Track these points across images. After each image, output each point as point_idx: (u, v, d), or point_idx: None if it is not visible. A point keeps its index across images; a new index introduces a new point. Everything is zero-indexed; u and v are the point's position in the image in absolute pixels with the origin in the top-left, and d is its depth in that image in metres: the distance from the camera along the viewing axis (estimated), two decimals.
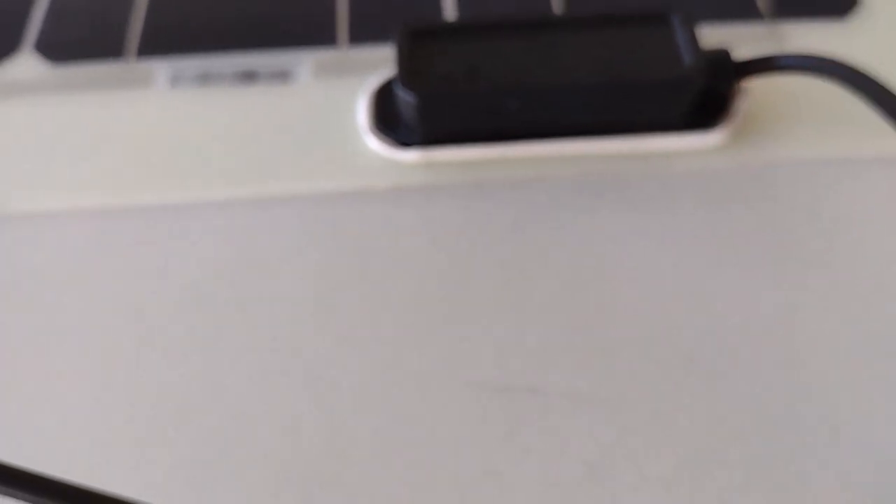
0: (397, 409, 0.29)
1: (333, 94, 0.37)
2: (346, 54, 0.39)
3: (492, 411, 0.29)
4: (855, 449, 0.28)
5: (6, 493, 0.22)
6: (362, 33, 0.40)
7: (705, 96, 0.35)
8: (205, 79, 0.38)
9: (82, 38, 0.40)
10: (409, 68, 0.34)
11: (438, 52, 0.35)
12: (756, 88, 0.36)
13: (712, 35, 0.38)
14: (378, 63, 0.38)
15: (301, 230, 0.34)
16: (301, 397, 0.30)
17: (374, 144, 0.35)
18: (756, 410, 0.29)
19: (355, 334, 0.31)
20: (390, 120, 0.36)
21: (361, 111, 0.36)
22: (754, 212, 0.34)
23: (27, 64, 0.40)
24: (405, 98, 0.33)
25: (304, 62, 0.39)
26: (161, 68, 0.39)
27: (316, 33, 0.40)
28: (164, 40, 0.40)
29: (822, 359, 0.30)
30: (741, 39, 0.39)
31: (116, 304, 0.32)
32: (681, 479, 0.28)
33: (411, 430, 0.29)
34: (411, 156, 0.35)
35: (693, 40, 0.34)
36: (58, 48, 0.40)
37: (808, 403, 0.29)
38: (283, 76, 0.38)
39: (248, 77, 0.38)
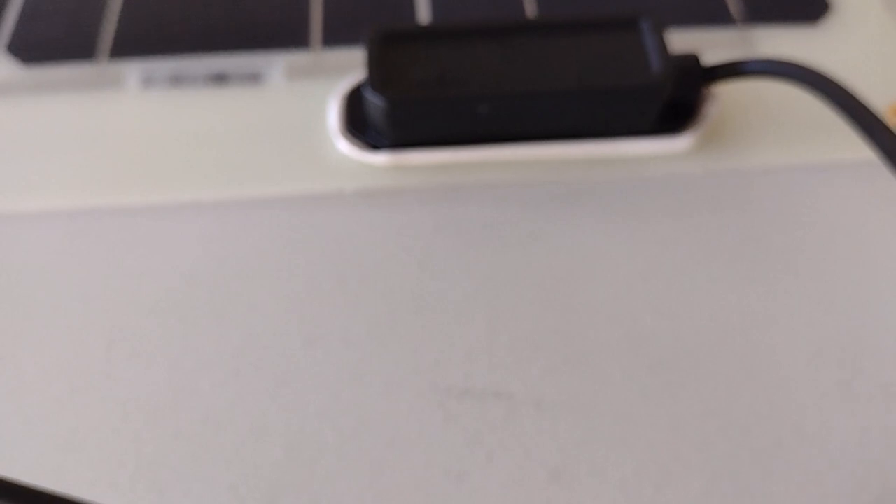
0: (363, 413, 0.29)
1: (305, 96, 0.37)
2: (318, 57, 0.39)
3: (457, 415, 0.29)
4: (820, 453, 0.28)
5: None
6: (335, 36, 0.40)
7: (674, 101, 0.35)
8: (176, 80, 0.38)
9: (54, 40, 0.40)
10: (380, 72, 0.34)
11: (410, 56, 0.35)
12: (725, 93, 0.36)
13: (683, 40, 0.39)
14: (351, 66, 0.38)
15: (269, 233, 0.34)
16: (268, 401, 0.30)
17: (344, 147, 0.35)
18: (722, 415, 0.29)
19: (323, 338, 0.31)
20: (361, 123, 0.36)
21: (332, 114, 0.36)
22: (722, 217, 0.34)
23: None
24: (375, 102, 0.33)
25: (276, 64, 0.39)
26: (133, 70, 0.39)
27: (288, 36, 0.40)
28: (136, 42, 0.40)
29: (788, 364, 0.30)
30: (712, 44, 0.39)
31: (87, 307, 0.32)
32: (644, 484, 0.28)
33: (377, 434, 0.29)
34: (381, 159, 0.35)
35: (662, 46, 0.34)
36: (30, 49, 0.40)
37: (774, 408, 0.29)
38: (254, 78, 0.38)
39: (220, 79, 0.38)
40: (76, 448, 0.29)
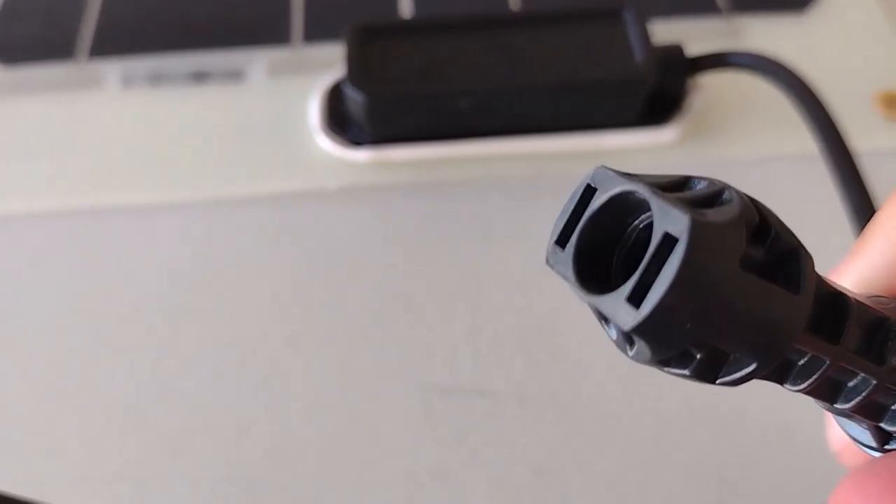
0: (346, 412, 0.29)
1: (286, 93, 0.37)
2: (299, 53, 0.39)
3: (440, 413, 0.29)
4: (806, 447, 0.28)
5: None
6: (317, 31, 0.39)
7: (659, 92, 0.35)
8: (156, 79, 0.38)
9: (34, 40, 0.40)
10: (359, 67, 0.34)
11: (390, 51, 0.35)
12: (710, 84, 0.36)
13: (670, 30, 0.38)
14: (333, 62, 0.37)
15: (250, 232, 0.34)
16: (250, 401, 0.29)
17: (326, 144, 0.35)
18: (706, 411, 0.29)
19: (306, 335, 0.31)
20: (342, 119, 0.35)
21: (313, 111, 0.36)
22: None
23: None
24: (354, 98, 0.33)
25: (257, 61, 0.38)
26: (112, 69, 0.38)
27: (269, 32, 0.39)
28: (115, 41, 0.39)
29: None
30: (699, 34, 0.39)
31: (67, 309, 0.32)
32: (629, 480, 0.28)
33: (360, 433, 0.29)
34: (362, 155, 0.35)
35: (645, 36, 0.34)
36: (9, 50, 0.39)
37: (758, 403, 0.29)
38: (235, 76, 0.38)
39: (200, 77, 0.38)
40: (57, 450, 0.29)
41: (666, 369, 0.15)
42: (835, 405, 0.16)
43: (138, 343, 0.31)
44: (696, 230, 0.13)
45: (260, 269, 0.33)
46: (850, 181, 0.30)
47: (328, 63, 0.37)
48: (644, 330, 0.14)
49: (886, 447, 0.17)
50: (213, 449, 0.29)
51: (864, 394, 0.16)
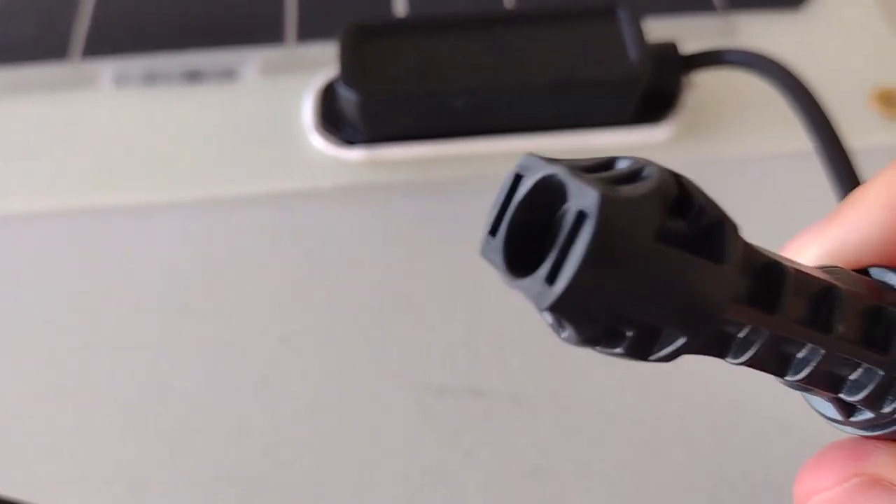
0: (342, 412, 0.29)
1: (280, 92, 0.37)
2: (293, 52, 0.39)
3: (436, 413, 0.29)
4: (804, 444, 0.28)
5: None
6: (311, 30, 0.39)
7: (654, 90, 0.35)
8: (150, 79, 0.38)
9: (28, 40, 0.39)
10: (353, 67, 0.34)
11: (384, 50, 0.35)
12: (704, 82, 0.36)
13: (665, 28, 0.38)
14: (327, 61, 0.37)
15: (245, 232, 0.33)
16: (247, 400, 0.29)
17: (319, 143, 0.35)
18: (703, 410, 0.29)
19: (302, 335, 0.31)
20: (336, 119, 0.35)
21: (307, 110, 0.36)
22: None
23: None
24: (347, 97, 0.33)
25: (251, 61, 0.38)
26: (106, 69, 0.38)
27: (263, 31, 0.39)
28: (109, 40, 0.39)
29: None
30: (694, 32, 0.38)
31: (65, 310, 0.32)
32: (625, 479, 0.27)
33: (358, 432, 0.29)
34: (356, 154, 0.35)
35: (639, 35, 0.34)
36: (3, 49, 0.39)
37: (756, 401, 0.29)
38: (229, 75, 0.38)
39: (194, 76, 0.38)
40: (56, 450, 0.29)
41: (598, 349, 0.15)
42: (786, 378, 0.16)
43: (136, 343, 0.31)
44: (605, 205, 0.13)
45: (255, 268, 0.33)
46: (845, 179, 0.30)
47: (322, 62, 0.37)
48: (561, 308, 0.14)
49: (852, 419, 0.17)
50: (211, 449, 0.29)
51: (813, 364, 0.16)
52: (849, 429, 0.17)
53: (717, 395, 0.29)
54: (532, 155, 0.15)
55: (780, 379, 0.17)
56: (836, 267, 0.17)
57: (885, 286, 0.17)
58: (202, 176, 0.35)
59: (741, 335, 0.16)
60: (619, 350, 0.15)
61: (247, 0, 0.41)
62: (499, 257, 0.15)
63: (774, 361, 0.16)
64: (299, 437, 0.29)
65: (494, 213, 0.15)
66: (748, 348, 0.16)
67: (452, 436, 0.28)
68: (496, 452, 0.28)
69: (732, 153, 0.35)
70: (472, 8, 0.40)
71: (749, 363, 0.16)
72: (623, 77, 0.33)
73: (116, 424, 0.29)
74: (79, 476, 0.28)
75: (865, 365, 0.16)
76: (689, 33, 0.37)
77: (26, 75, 0.38)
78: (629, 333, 0.15)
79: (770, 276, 0.15)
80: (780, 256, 0.16)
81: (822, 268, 0.17)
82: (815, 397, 0.18)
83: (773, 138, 0.35)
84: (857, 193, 0.17)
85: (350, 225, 0.34)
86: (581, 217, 0.14)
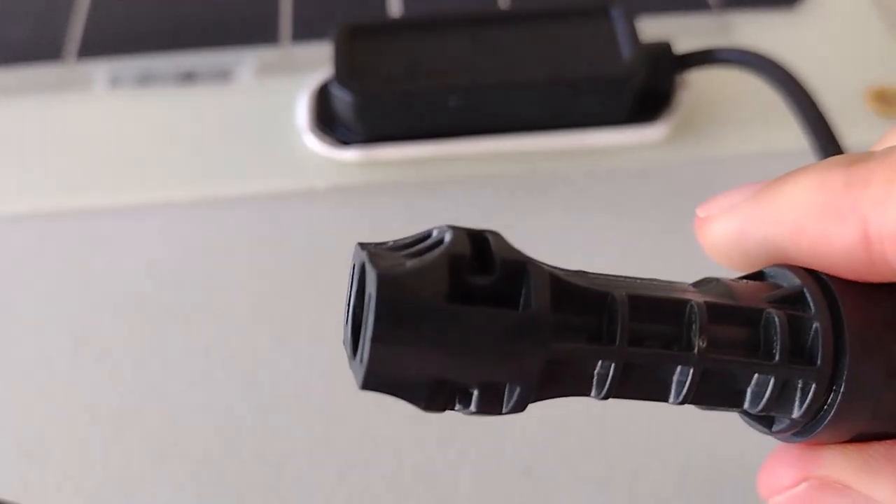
0: (332, 413, 0.29)
1: (274, 93, 0.37)
2: (288, 52, 0.39)
3: (427, 414, 0.29)
4: None
5: None
6: (305, 31, 0.39)
7: (647, 89, 0.34)
8: (145, 80, 0.38)
9: (22, 41, 0.40)
10: (347, 67, 0.34)
11: (378, 50, 0.35)
12: (699, 81, 0.36)
13: (659, 27, 0.38)
14: (321, 61, 0.37)
15: (238, 232, 0.33)
16: (236, 402, 0.29)
17: (314, 144, 0.35)
18: (695, 409, 0.29)
19: (293, 336, 0.31)
20: (330, 119, 0.35)
21: (301, 110, 0.36)
22: (695, 205, 0.33)
23: None
24: (342, 97, 0.33)
25: (246, 61, 0.38)
26: (100, 70, 0.38)
27: (258, 32, 0.39)
28: (104, 42, 0.39)
29: None
30: (688, 31, 0.38)
31: (53, 310, 0.32)
32: (618, 480, 0.27)
33: (346, 434, 0.29)
34: (351, 155, 0.35)
35: (633, 34, 0.34)
36: None
37: None
38: (223, 76, 0.38)
39: (189, 77, 0.38)
40: (41, 452, 0.29)
41: (457, 409, 0.15)
42: (670, 402, 0.16)
43: (125, 344, 0.31)
44: (382, 283, 0.14)
45: (248, 269, 0.33)
46: None
47: (316, 63, 0.37)
48: (372, 384, 0.15)
49: (775, 430, 0.17)
50: (200, 450, 0.28)
51: (689, 384, 0.16)
52: (782, 438, 0.17)
53: None
54: (359, 244, 0.15)
55: (696, 406, 0.17)
56: (712, 278, 0.17)
57: (775, 286, 0.17)
58: (197, 176, 0.35)
59: (595, 371, 0.16)
60: (472, 409, 0.15)
61: (241, 1, 0.41)
62: (348, 345, 0.16)
63: (647, 389, 0.16)
64: (289, 438, 0.29)
65: (347, 305, 0.16)
66: (604, 383, 0.16)
67: (443, 436, 0.28)
68: (487, 452, 0.28)
69: (727, 152, 0.35)
70: (465, 8, 0.40)
71: (617, 395, 0.16)
72: (616, 76, 0.33)
73: (104, 425, 0.29)
74: (66, 477, 0.28)
75: (756, 374, 0.16)
76: (684, 32, 0.37)
77: (21, 76, 0.38)
78: (475, 392, 0.15)
79: (600, 308, 0.16)
80: (626, 282, 0.16)
81: (698, 282, 0.17)
82: (742, 416, 0.18)
83: (768, 137, 0.35)
84: (786, 188, 0.17)
85: (344, 225, 0.34)
86: (370, 298, 0.14)
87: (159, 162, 0.36)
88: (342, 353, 0.31)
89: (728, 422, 0.28)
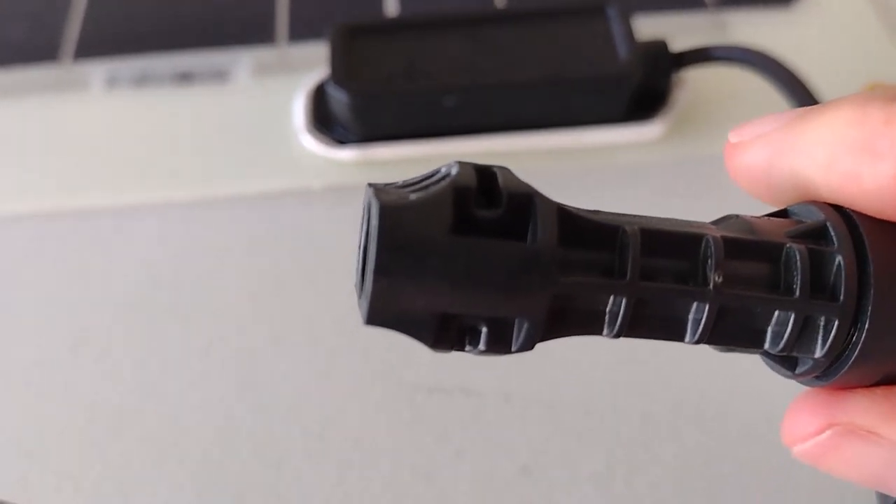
0: (330, 412, 0.29)
1: (271, 93, 0.37)
2: (285, 52, 0.39)
3: (425, 413, 0.29)
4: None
5: None
6: (302, 31, 0.39)
7: (644, 88, 0.35)
8: (141, 80, 0.38)
9: (19, 42, 0.40)
10: (343, 67, 0.34)
11: (375, 50, 0.35)
12: (695, 79, 0.36)
13: (655, 25, 0.38)
14: (318, 61, 0.37)
15: (235, 232, 0.33)
16: (234, 401, 0.29)
17: (311, 144, 0.35)
18: (692, 407, 0.29)
19: (291, 336, 0.31)
20: (327, 119, 0.35)
21: (298, 110, 0.36)
22: (694, 204, 0.34)
23: None
24: (338, 97, 0.33)
25: (242, 62, 0.38)
26: (97, 71, 0.38)
27: (254, 32, 0.39)
28: (101, 42, 0.39)
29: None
30: (684, 29, 0.38)
31: (52, 310, 0.32)
32: (615, 478, 0.27)
33: (344, 433, 0.29)
34: (348, 154, 0.35)
35: (629, 32, 0.34)
36: None
37: (744, 396, 0.29)
38: (220, 76, 0.38)
39: (185, 78, 0.38)
40: (40, 452, 0.29)
41: (467, 350, 0.15)
42: (686, 341, 0.16)
43: (123, 344, 0.31)
44: (385, 214, 0.14)
45: (247, 268, 0.33)
46: None
47: (313, 63, 0.37)
48: (377, 319, 0.15)
49: (797, 372, 0.16)
50: (197, 449, 0.29)
51: (704, 320, 0.15)
52: (805, 382, 0.17)
53: (705, 393, 0.29)
54: (370, 184, 0.15)
55: (712, 346, 0.16)
56: (733, 215, 0.17)
57: (799, 222, 0.16)
58: (194, 176, 0.35)
59: (607, 308, 0.15)
60: (481, 347, 0.15)
61: (238, 1, 0.41)
62: (357, 287, 0.15)
63: (661, 327, 0.16)
64: (288, 438, 0.29)
65: (358, 246, 0.16)
66: (615, 319, 0.15)
67: (441, 435, 0.28)
68: (486, 451, 0.28)
69: (723, 150, 0.35)
70: (462, 7, 0.40)
71: (630, 333, 0.15)
72: (612, 75, 0.33)
73: (103, 425, 0.29)
74: (65, 476, 0.28)
75: (776, 311, 0.15)
76: (680, 30, 0.37)
77: (18, 77, 0.38)
78: (483, 329, 0.15)
79: (611, 243, 0.15)
80: (641, 219, 0.15)
81: (719, 220, 0.16)
82: (765, 359, 0.17)
83: None
84: (821, 120, 0.16)
85: (341, 224, 0.34)
86: (373, 230, 0.14)
87: (156, 162, 0.36)
88: (341, 352, 0.31)
89: (723, 419, 0.29)
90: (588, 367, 0.30)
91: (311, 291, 0.32)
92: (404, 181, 0.15)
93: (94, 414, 0.29)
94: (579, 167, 0.35)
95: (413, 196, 0.14)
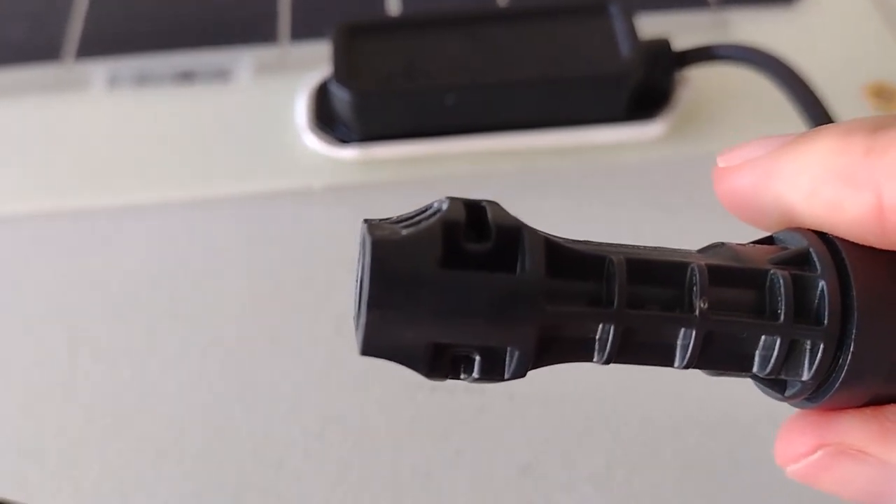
0: (330, 412, 0.29)
1: (273, 92, 0.37)
2: (287, 51, 0.39)
3: (427, 411, 0.29)
4: None
5: None
6: (304, 30, 0.39)
7: (646, 86, 0.34)
8: (142, 80, 0.38)
9: (20, 41, 0.40)
10: (345, 66, 0.34)
11: (377, 49, 0.35)
12: (698, 77, 0.36)
13: (657, 24, 0.38)
14: (320, 60, 0.37)
15: (236, 232, 0.33)
16: (233, 401, 0.29)
17: (313, 142, 0.35)
18: (692, 407, 0.29)
19: (291, 335, 0.31)
20: (329, 117, 0.35)
21: (300, 109, 0.36)
22: (696, 203, 0.34)
23: None
24: (340, 96, 0.33)
25: (244, 61, 0.38)
26: (98, 70, 0.38)
27: (256, 31, 0.39)
28: (102, 41, 0.39)
29: None
30: (687, 28, 0.38)
31: (50, 311, 0.32)
32: (616, 477, 0.27)
33: (344, 433, 0.29)
34: (349, 153, 0.35)
35: (631, 31, 0.34)
36: None
37: (746, 398, 0.29)
38: (222, 75, 0.38)
39: (187, 77, 0.38)
40: (39, 453, 0.29)
41: (462, 378, 0.16)
42: (675, 366, 0.16)
43: (121, 345, 0.31)
44: (377, 248, 0.14)
45: (248, 268, 0.33)
46: None
47: (315, 62, 0.37)
48: (372, 351, 0.15)
49: (787, 395, 0.17)
50: (197, 449, 0.28)
51: (692, 345, 0.16)
52: (795, 404, 0.17)
53: (705, 394, 0.29)
54: (366, 220, 0.16)
55: (702, 371, 0.17)
56: (718, 243, 0.17)
57: (783, 249, 0.16)
58: (196, 176, 0.35)
59: (597, 336, 0.16)
60: (475, 375, 0.15)
61: (239, 0, 0.41)
62: (354, 319, 0.16)
63: (650, 354, 0.16)
64: (287, 437, 0.29)
65: (355, 279, 0.16)
66: (605, 347, 0.16)
67: (442, 434, 0.28)
68: (486, 451, 0.28)
69: (727, 147, 0.35)
70: (464, 6, 0.40)
71: (619, 360, 0.16)
72: (614, 73, 0.33)
73: (100, 425, 0.29)
74: (63, 476, 0.28)
75: (762, 335, 0.16)
76: (682, 29, 0.37)
77: (19, 77, 0.38)
78: (476, 358, 0.15)
79: (598, 273, 0.16)
80: (627, 249, 0.16)
81: (704, 248, 0.17)
82: (755, 382, 0.17)
83: (767, 134, 0.35)
84: (806, 148, 0.16)
85: (343, 223, 0.34)
86: (366, 265, 0.15)
87: (158, 162, 0.36)
88: (339, 352, 0.31)
89: (723, 419, 0.28)
90: (589, 368, 0.29)
91: (311, 290, 0.32)
92: (398, 217, 0.16)
93: (92, 413, 0.29)
94: (581, 166, 0.35)
95: (404, 231, 0.15)
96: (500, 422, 0.29)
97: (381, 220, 0.16)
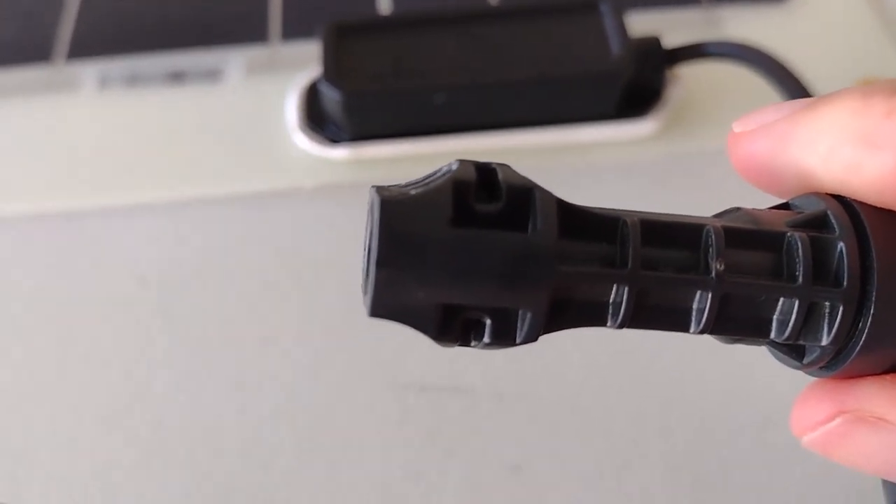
0: (319, 413, 0.29)
1: (263, 92, 0.37)
2: (277, 51, 0.39)
3: (415, 412, 0.29)
4: (783, 443, 0.28)
5: None
6: (295, 30, 0.39)
7: (637, 84, 0.34)
8: (133, 80, 0.38)
9: (10, 42, 0.39)
10: (335, 65, 0.34)
11: (366, 48, 0.35)
12: (689, 75, 0.36)
13: (648, 22, 0.38)
14: (310, 59, 0.37)
15: (226, 232, 0.33)
16: (223, 402, 0.29)
17: (303, 142, 0.35)
18: (683, 408, 0.29)
19: (281, 336, 0.31)
20: (319, 117, 0.35)
21: (291, 109, 0.36)
22: (687, 200, 0.33)
23: None
24: (330, 95, 0.33)
25: (235, 60, 0.38)
26: (89, 71, 0.38)
27: (247, 31, 0.39)
28: (93, 42, 0.39)
29: (749, 351, 0.30)
30: (677, 25, 0.38)
31: (40, 311, 0.32)
32: (605, 477, 0.27)
33: (333, 434, 0.29)
34: (340, 153, 0.34)
35: (622, 29, 0.34)
36: None
37: (736, 399, 0.29)
38: (212, 75, 0.38)
39: (178, 78, 0.38)
40: (29, 452, 0.29)
41: (473, 345, 0.15)
42: (690, 331, 0.16)
43: (111, 346, 0.31)
44: (385, 208, 0.14)
45: (238, 268, 0.33)
46: None
47: (306, 61, 0.37)
48: (381, 312, 0.15)
49: (806, 361, 0.16)
50: (187, 450, 0.28)
51: (707, 309, 0.15)
52: (813, 373, 0.17)
53: (696, 391, 0.29)
54: (375, 186, 0.15)
55: (715, 336, 0.16)
56: (735, 208, 0.17)
57: (800, 212, 0.16)
58: (186, 176, 0.35)
59: (610, 299, 0.15)
60: (486, 340, 0.15)
61: (229, 0, 0.41)
62: (362, 285, 0.16)
63: (664, 318, 0.16)
64: (276, 438, 0.29)
65: (364, 248, 0.16)
66: (619, 310, 0.15)
67: (432, 434, 0.28)
68: (476, 450, 0.28)
69: (717, 146, 0.34)
70: (454, 5, 0.39)
71: (633, 324, 0.16)
72: (605, 72, 0.33)
73: (92, 426, 0.29)
74: (54, 478, 0.28)
75: (780, 298, 0.15)
76: (673, 26, 0.37)
77: (9, 78, 0.38)
78: (487, 321, 0.15)
79: (612, 234, 0.15)
80: (638, 212, 0.16)
81: (721, 212, 0.17)
82: (772, 350, 0.17)
83: None
84: (824, 110, 0.16)
85: (334, 223, 0.34)
86: (374, 225, 0.14)
87: (148, 162, 0.35)
88: (332, 351, 0.31)
89: (713, 420, 0.28)
90: (579, 367, 0.30)
91: (302, 290, 0.32)
92: (407, 182, 0.16)
93: (82, 414, 0.29)
94: (572, 164, 0.35)
95: (413, 192, 0.15)
96: (490, 422, 0.28)
97: (390, 185, 0.15)
